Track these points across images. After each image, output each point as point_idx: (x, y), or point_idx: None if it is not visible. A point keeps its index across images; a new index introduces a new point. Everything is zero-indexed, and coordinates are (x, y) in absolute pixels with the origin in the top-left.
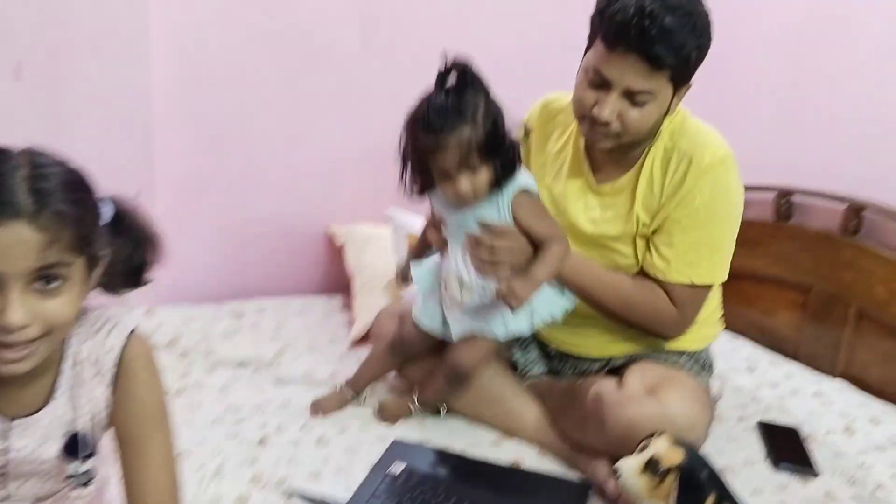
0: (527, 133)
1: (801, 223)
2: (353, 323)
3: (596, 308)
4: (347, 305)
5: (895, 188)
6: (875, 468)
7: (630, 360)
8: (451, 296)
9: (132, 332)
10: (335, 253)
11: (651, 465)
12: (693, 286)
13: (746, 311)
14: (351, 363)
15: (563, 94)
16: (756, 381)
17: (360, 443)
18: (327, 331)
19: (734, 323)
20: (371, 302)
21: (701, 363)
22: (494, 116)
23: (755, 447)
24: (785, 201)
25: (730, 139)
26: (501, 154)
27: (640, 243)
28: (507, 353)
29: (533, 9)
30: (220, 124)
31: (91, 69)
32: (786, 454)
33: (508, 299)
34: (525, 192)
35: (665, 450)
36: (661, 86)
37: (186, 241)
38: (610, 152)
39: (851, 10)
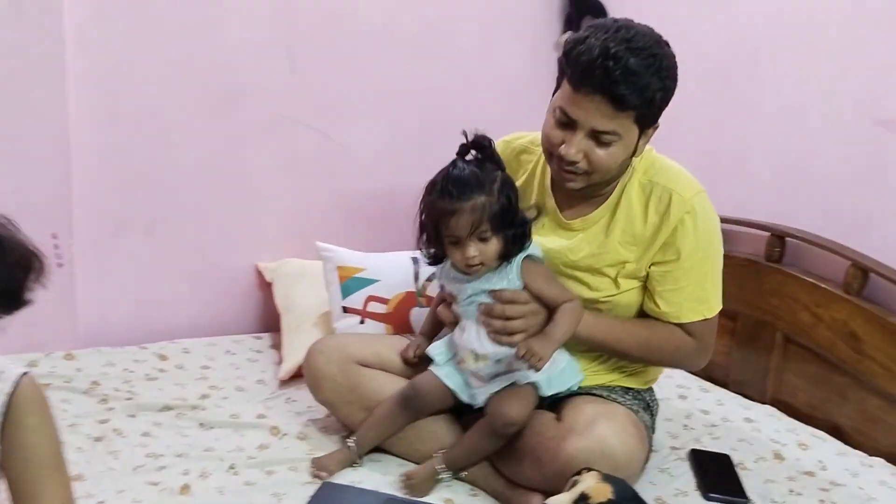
0: None
1: (727, 251)
2: (282, 362)
3: (619, 357)
4: (277, 344)
5: (812, 216)
6: (804, 495)
7: (570, 395)
8: (467, 369)
9: (23, 375)
10: (265, 290)
11: (581, 502)
12: (706, 319)
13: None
14: (279, 403)
15: (523, 134)
16: (688, 408)
17: (290, 486)
18: (255, 371)
19: None
20: (301, 339)
21: (643, 402)
22: (509, 192)
23: (687, 477)
24: None
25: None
26: (513, 228)
27: (626, 283)
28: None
29: (460, 43)
30: (141, 160)
31: (5, 105)
32: (717, 483)
33: (530, 360)
34: (532, 259)
35: (594, 485)
36: (626, 127)
37: (107, 281)
38: (579, 189)
39: (764, 43)
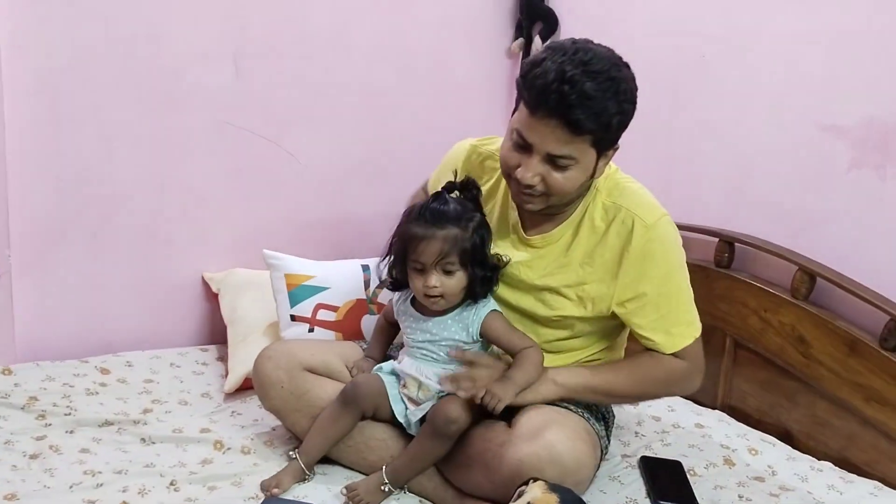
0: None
1: None
2: (228, 374)
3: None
4: (224, 357)
5: (761, 221)
6: (753, 501)
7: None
8: (409, 394)
9: None
10: (212, 301)
11: None
12: (696, 339)
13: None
14: (224, 417)
15: (492, 139)
16: (639, 415)
17: (232, 502)
18: (200, 385)
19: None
20: (247, 351)
21: (597, 413)
22: (483, 234)
23: (637, 484)
24: None
25: None
26: (481, 269)
27: (594, 308)
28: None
29: (413, 50)
30: (82, 167)
31: None
32: (667, 490)
33: (489, 402)
34: (495, 312)
35: (540, 496)
36: (583, 150)
37: (46, 293)
38: (538, 210)
39: (711, 52)
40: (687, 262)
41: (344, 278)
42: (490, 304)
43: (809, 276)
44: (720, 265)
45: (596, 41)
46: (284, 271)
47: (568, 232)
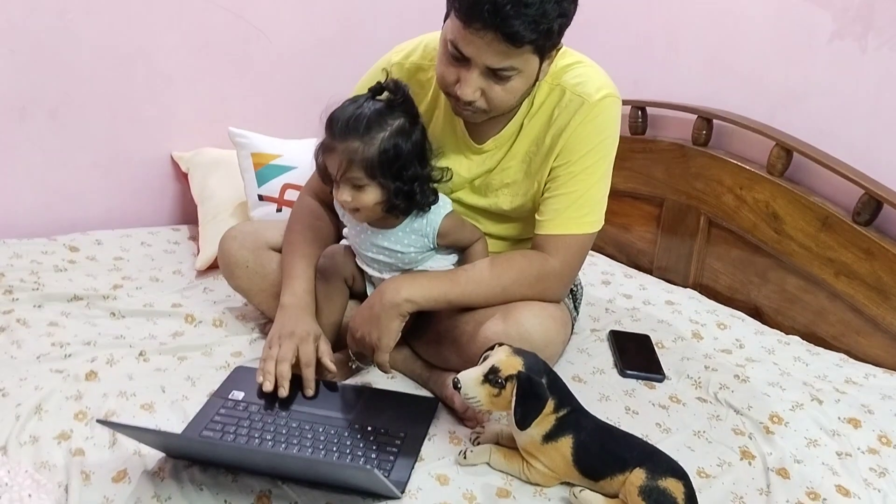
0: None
1: (655, 137)
2: (199, 253)
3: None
4: (196, 236)
5: (740, 97)
6: (719, 371)
7: None
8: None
9: None
10: (182, 180)
11: (490, 375)
12: (580, 235)
13: (605, 227)
14: (196, 293)
15: (408, 47)
16: (610, 293)
17: (202, 370)
18: (171, 262)
19: None
20: (218, 230)
21: None
22: (399, 142)
23: (606, 356)
24: (639, 115)
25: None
26: (398, 183)
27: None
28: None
29: None
30: (38, 42)
31: None
32: (634, 361)
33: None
34: (448, 217)
35: (504, 359)
36: (524, 59)
37: (11, 170)
38: (482, 121)
39: None
40: (664, 141)
41: (311, 157)
42: (444, 208)
43: (786, 152)
44: (697, 143)
45: None
46: (251, 150)
47: (516, 126)
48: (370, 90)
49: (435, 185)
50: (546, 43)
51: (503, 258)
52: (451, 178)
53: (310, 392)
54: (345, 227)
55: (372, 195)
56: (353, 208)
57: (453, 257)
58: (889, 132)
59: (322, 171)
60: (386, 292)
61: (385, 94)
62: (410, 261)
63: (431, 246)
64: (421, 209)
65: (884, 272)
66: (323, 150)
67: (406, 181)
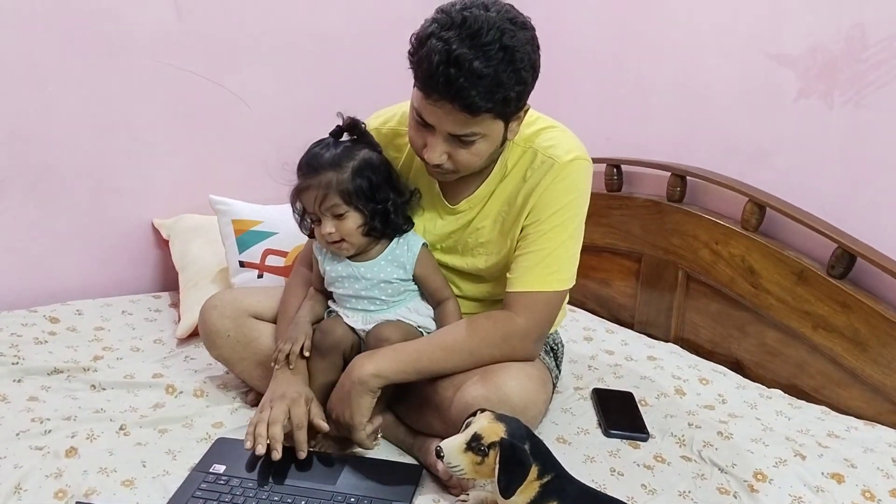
0: None
1: (630, 194)
2: (179, 321)
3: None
4: (177, 303)
5: (711, 153)
6: (702, 428)
7: None
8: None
9: None
10: (163, 247)
11: (473, 443)
12: (549, 293)
13: (585, 283)
14: (177, 362)
15: (387, 113)
16: (593, 349)
17: (183, 443)
18: (152, 331)
19: (573, 295)
20: (199, 297)
21: (546, 345)
22: (369, 172)
23: (589, 415)
24: (614, 172)
25: (556, 114)
26: (374, 205)
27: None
28: None
29: None
30: (17, 114)
31: None
32: (618, 420)
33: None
34: (425, 248)
35: (486, 425)
36: (487, 126)
37: None
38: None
39: None
40: (639, 198)
41: (292, 222)
42: (418, 238)
43: (759, 207)
44: (672, 199)
45: None
46: (232, 216)
47: (490, 188)
48: (331, 133)
49: (406, 205)
50: (505, 109)
51: (468, 322)
52: (420, 198)
53: (302, 455)
54: (329, 287)
55: (352, 221)
56: (337, 240)
57: (430, 311)
58: (858, 185)
59: (300, 218)
60: (353, 369)
61: (345, 136)
62: (394, 292)
63: (410, 276)
64: (397, 231)
65: (860, 324)
66: (298, 193)
67: (380, 202)
